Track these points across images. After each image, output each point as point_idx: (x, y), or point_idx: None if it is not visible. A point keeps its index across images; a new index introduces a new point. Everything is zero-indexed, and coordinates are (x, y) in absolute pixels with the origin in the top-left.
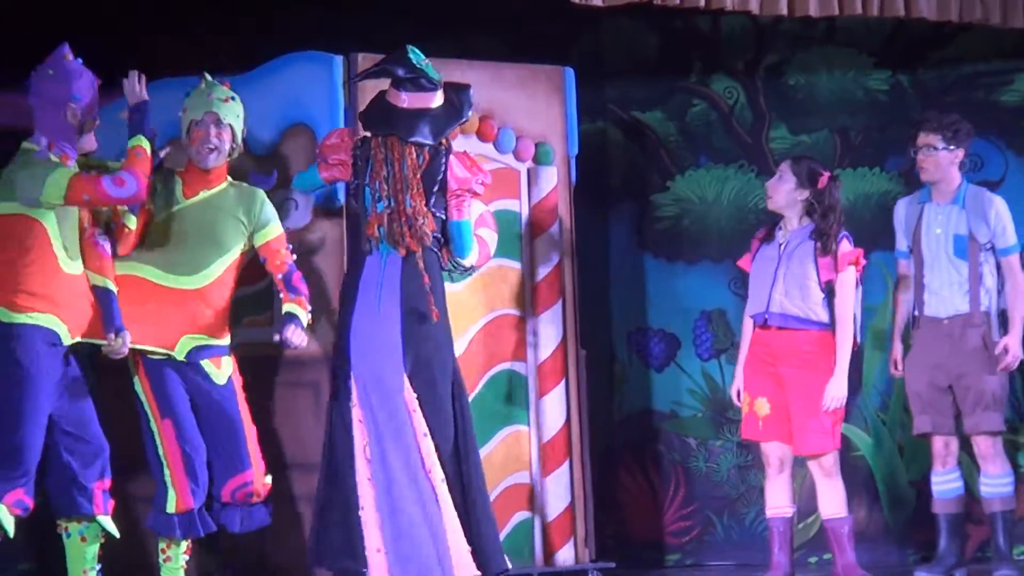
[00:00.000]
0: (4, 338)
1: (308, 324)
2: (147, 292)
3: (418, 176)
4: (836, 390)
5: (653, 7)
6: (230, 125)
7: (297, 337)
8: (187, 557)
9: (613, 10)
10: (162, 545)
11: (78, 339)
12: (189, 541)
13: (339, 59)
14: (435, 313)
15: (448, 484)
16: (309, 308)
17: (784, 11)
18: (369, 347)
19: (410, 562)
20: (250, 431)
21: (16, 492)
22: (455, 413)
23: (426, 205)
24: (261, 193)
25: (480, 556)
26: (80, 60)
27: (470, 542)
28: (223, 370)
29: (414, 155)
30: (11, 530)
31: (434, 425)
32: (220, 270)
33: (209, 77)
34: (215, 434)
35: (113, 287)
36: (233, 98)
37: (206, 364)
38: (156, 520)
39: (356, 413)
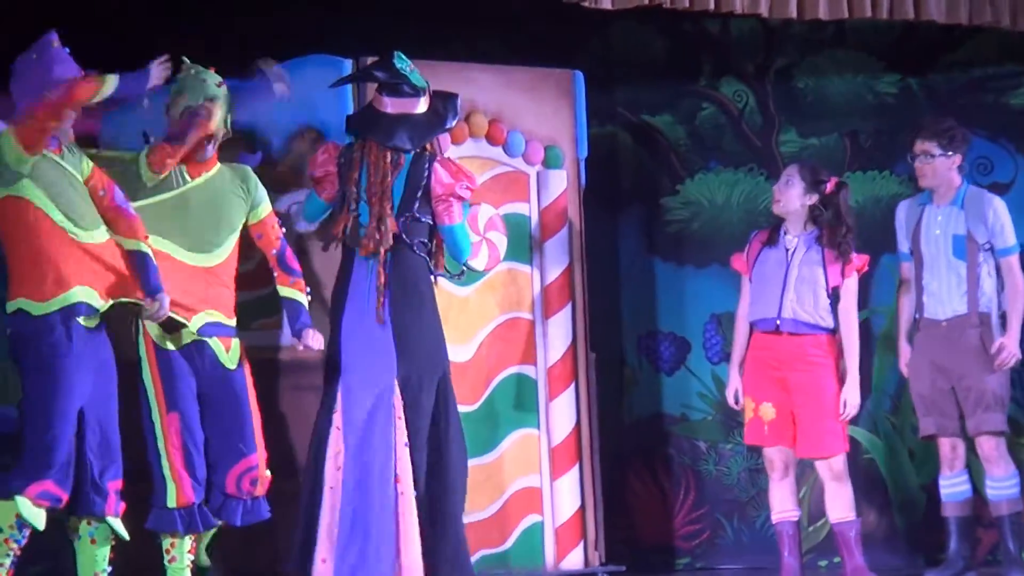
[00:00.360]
0: (36, 331)
1: (312, 319)
2: (169, 266)
3: (388, 181)
4: (853, 397)
5: (662, 10)
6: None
7: (316, 342)
8: (191, 557)
9: (622, 13)
10: (166, 545)
11: (111, 301)
12: (192, 539)
13: (348, 63)
14: (379, 317)
15: (418, 499)
16: (307, 289)
17: (793, 14)
18: (361, 348)
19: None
20: (256, 418)
21: (43, 484)
22: (439, 427)
23: (408, 210)
24: (251, 170)
25: (441, 574)
26: (68, 50)
27: (431, 560)
28: (232, 353)
29: (388, 160)
30: (39, 524)
31: (412, 436)
32: (230, 248)
33: (188, 61)
34: (223, 419)
35: (147, 249)
36: (223, 83)
37: (215, 344)
38: (157, 517)
39: (336, 420)
